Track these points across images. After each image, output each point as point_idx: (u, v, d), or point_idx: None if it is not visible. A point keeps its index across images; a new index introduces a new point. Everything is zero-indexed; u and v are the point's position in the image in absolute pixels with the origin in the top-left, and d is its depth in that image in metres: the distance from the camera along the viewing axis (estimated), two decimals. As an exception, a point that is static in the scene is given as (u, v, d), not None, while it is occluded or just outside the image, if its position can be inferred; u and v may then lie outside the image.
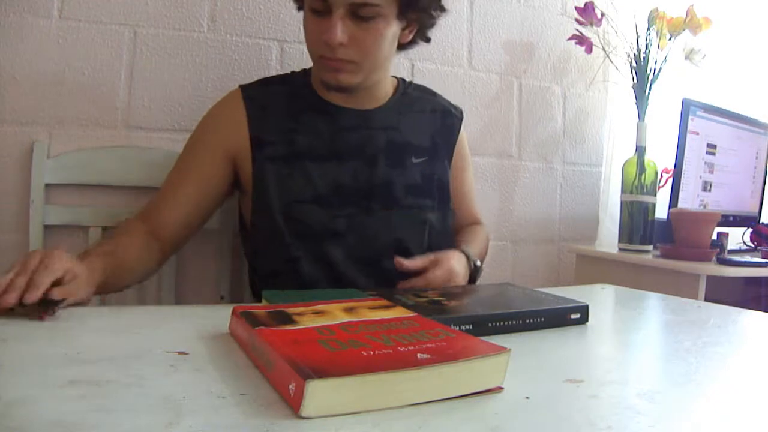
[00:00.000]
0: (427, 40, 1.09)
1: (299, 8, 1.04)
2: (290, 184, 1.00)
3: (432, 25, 1.06)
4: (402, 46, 1.05)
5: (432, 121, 1.13)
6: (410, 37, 1.04)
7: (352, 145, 1.03)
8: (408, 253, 1.00)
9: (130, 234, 0.94)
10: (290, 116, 1.03)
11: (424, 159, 1.09)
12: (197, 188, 1.01)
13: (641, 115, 1.61)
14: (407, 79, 1.17)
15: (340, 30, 0.91)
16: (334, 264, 1.00)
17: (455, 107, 1.19)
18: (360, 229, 1.02)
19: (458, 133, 1.17)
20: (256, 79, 1.09)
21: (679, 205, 1.59)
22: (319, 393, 0.39)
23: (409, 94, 1.13)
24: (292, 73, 1.11)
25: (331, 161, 1.02)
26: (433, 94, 1.18)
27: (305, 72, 1.09)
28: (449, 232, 1.12)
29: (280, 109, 1.03)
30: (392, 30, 0.97)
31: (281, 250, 1.00)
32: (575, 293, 0.80)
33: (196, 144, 1.05)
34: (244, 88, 1.05)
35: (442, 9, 1.04)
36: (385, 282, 0.98)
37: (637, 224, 1.57)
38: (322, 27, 0.93)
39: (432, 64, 1.35)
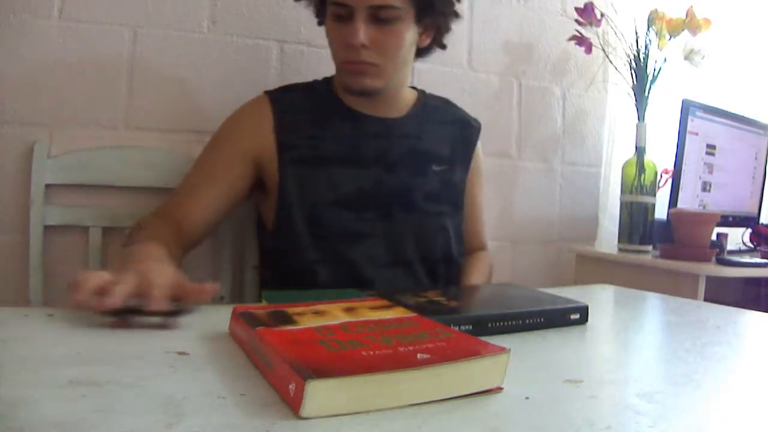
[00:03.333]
0: (443, 47, 1.12)
1: (320, 23, 1.08)
2: (315, 187, 1.02)
3: (447, 31, 1.09)
4: (419, 54, 1.09)
5: (452, 131, 1.17)
6: (427, 41, 1.08)
7: (374, 152, 1.06)
8: (429, 258, 1.06)
9: (160, 230, 0.91)
10: (315, 122, 1.05)
11: (444, 167, 1.13)
12: (221, 190, 1.02)
13: (641, 116, 1.61)
14: (423, 90, 1.20)
15: (362, 32, 0.95)
16: (355, 267, 1.02)
17: (474, 119, 1.22)
18: (383, 233, 1.05)
19: (476, 144, 1.21)
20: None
21: (679, 205, 1.59)
22: (319, 393, 0.39)
23: (429, 104, 1.16)
24: (315, 81, 1.13)
25: (354, 166, 1.05)
26: (452, 104, 1.22)
27: (327, 80, 1.12)
28: (462, 238, 1.16)
29: (305, 114, 1.05)
30: (411, 34, 1.00)
31: (301, 253, 1.01)
32: (575, 293, 0.80)
33: (221, 146, 1.05)
34: (270, 93, 1.07)
35: (456, 15, 1.08)
36: (407, 285, 1.03)
37: (637, 224, 1.57)
38: (345, 32, 0.97)
39: (432, 65, 1.35)
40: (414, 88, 1.17)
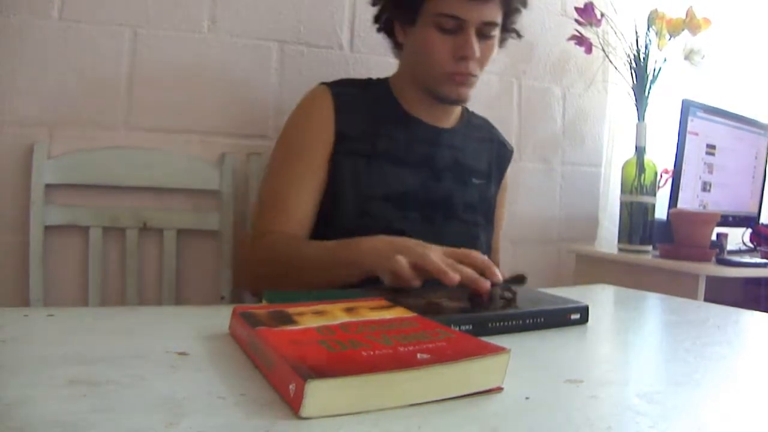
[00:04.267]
0: None
1: (380, 29, 1.13)
2: (368, 181, 1.04)
3: (502, 45, 1.14)
4: None
5: (490, 149, 1.21)
6: (496, 54, 1.12)
7: (423, 157, 1.10)
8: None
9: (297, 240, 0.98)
10: (370, 118, 1.08)
11: (483, 182, 1.18)
12: (315, 193, 1.04)
13: (641, 116, 1.61)
14: (466, 107, 1.22)
15: (476, 45, 0.99)
16: None
17: (509, 143, 1.27)
18: (422, 234, 1.04)
19: (507, 167, 1.25)
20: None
21: (679, 205, 1.59)
22: (319, 393, 0.39)
23: (472, 120, 1.22)
24: (370, 79, 1.16)
25: (404, 167, 1.08)
26: (491, 125, 1.27)
27: (381, 81, 1.15)
28: (490, 250, 1.20)
29: (362, 109, 1.08)
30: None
31: None
32: (575, 293, 0.80)
33: (299, 147, 1.06)
34: (330, 85, 1.09)
35: (518, 34, 1.13)
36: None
37: (637, 224, 1.57)
38: (453, 44, 1.00)
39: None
40: None
